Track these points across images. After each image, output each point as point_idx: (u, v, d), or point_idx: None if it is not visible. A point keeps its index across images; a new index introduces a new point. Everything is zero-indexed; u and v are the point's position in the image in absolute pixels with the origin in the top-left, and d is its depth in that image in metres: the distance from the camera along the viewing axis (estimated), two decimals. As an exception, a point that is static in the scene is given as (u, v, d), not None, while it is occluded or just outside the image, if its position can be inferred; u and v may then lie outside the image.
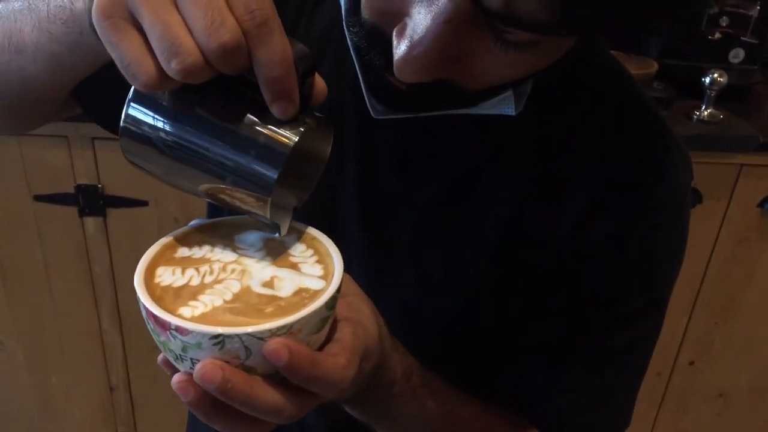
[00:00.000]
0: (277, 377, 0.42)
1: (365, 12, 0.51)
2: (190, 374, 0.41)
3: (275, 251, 0.48)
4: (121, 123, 0.44)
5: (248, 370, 0.41)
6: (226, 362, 0.40)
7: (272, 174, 0.42)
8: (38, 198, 1.53)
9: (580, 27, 0.44)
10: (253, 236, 0.50)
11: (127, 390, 1.78)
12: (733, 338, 1.78)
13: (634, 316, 0.66)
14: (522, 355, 0.68)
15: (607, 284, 0.64)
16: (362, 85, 0.56)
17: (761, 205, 1.61)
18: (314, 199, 0.67)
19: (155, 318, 0.41)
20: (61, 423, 1.83)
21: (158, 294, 0.43)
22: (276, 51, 0.39)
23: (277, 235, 0.49)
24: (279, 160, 0.42)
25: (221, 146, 0.42)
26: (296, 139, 0.42)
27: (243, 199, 0.45)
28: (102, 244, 1.58)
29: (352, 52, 0.55)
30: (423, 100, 0.54)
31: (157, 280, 0.44)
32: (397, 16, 0.47)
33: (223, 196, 0.45)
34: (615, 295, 0.65)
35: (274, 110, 0.42)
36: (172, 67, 0.38)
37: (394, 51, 0.47)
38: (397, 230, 0.66)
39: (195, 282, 0.44)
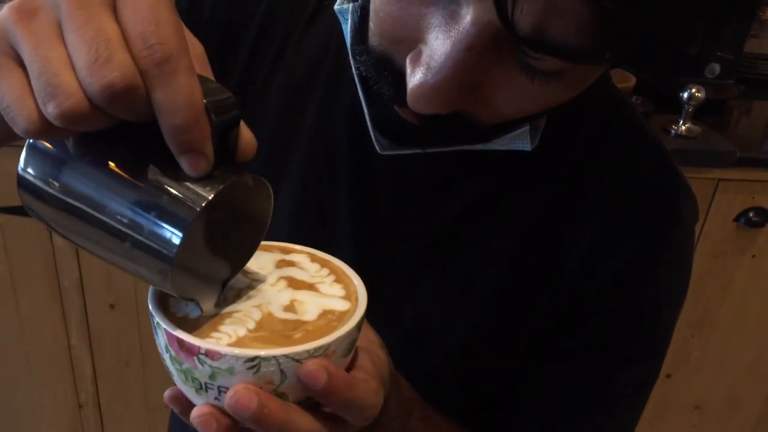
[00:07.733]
0: (307, 404, 0.40)
1: (374, 40, 0.47)
2: (214, 406, 0.39)
3: (288, 273, 0.46)
4: (19, 171, 0.37)
5: (280, 396, 0.39)
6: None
7: (174, 239, 0.35)
8: (4, 210, 1.49)
9: (617, 54, 0.40)
10: (260, 259, 0.47)
11: (96, 407, 1.74)
12: (709, 351, 1.80)
13: (637, 358, 0.64)
14: (522, 395, 0.66)
15: (615, 325, 0.62)
16: (367, 118, 0.53)
17: (737, 219, 1.63)
18: (308, 232, 0.64)
19: (180, 343, 0.38)
20: (27, 442, 1.78)
21: (175, 325, 0.40)
22: (179, 93, 0.33)
23: (199, 312, 0.42)
24: (183, 224, 0.35)
25: (119, 204, 0.35)
26: (205, 201, 0.35)
27: (146, 267, 0.37)
28: (71, 257, 1.54)
29: (357, 82, 0.51)
30: (434, 135, 0.50)
31: (171, 310, 0.41)
32: (411, 44, 0.43)
33: (123, 263, 0.38)
34: (622, 335, 0.62)
35: (183, 165, 0.35)
36: (49, 111, 0.32)
37: (408, 80, 0.43)
38: (395, 267, 0.63)
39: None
